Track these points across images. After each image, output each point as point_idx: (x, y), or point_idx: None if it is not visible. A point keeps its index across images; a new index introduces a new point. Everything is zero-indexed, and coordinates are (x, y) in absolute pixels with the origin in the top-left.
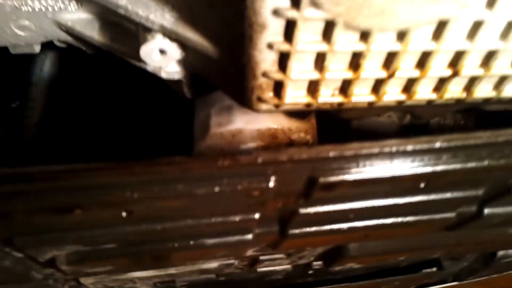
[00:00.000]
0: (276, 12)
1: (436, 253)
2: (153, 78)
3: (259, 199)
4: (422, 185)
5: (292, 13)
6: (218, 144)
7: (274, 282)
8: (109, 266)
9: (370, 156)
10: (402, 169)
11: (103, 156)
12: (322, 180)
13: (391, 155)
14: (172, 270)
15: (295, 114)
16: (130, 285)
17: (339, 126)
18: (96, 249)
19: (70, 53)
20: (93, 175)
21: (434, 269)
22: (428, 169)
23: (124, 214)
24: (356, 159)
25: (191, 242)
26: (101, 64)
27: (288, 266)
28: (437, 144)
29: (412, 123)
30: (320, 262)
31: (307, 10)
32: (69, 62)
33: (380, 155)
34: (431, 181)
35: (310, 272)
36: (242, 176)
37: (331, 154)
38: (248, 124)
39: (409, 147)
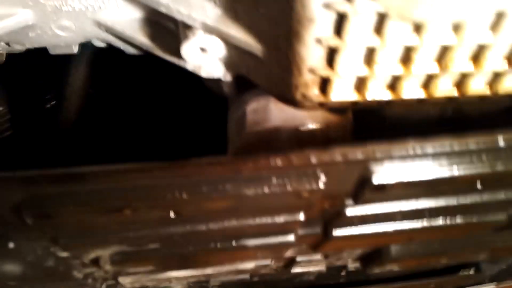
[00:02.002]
0: (327, 6)
1: (479, 256)
2: (187, 78)
3: (307, 200)
4: (478, 185)
5: (343, 6)
6: (254, 143)
7: (305, 283)
8: (151, 266)
9: (428, 155)
10: (461, 169)
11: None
12: (375, 180)
13: (451, 154)
14: (209, 270)
15: (332, 111)
16: (166, 284)
17: (373, 118)
18: (140, 249)
19: (106, 53)
20: (145, 175)
21: (472, 271)
22: (487, 168)
23: (172, 214)
24: (413, 158)
25: (233, 243)
26: (136, 64)
27: (323, 267)
28: (501, 143)
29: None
30: (357, 264)
31: (359, 2)
32: (104, 63)
33: (439, 154)
34: (488, 182)
35: (343, 273)
36: (292, 176)
37: (388, 152)
38: (284, 123)
39: (472, 146)
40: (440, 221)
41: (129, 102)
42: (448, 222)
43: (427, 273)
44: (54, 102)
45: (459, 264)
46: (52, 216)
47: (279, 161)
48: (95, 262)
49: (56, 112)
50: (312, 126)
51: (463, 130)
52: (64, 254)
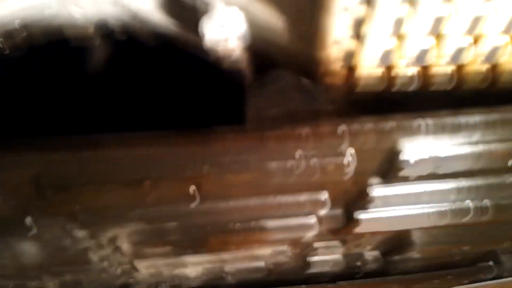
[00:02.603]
0: None
1: (503, 245)
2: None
3: (332, 176)
4: (510, 163)
5: None
6: (273, 124)
7: (319, 276)
8: (167, 248)
9: (461, 127)
10: (494, 143)
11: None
12: (405, 155)
13: (485, 126)
14: (225, 255)
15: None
16: (181, 270)
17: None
18: (158, 228)
19: (122, 44)
20: (166, 143)
21: (491, 263)
22: None
23: (192, 189)
24: (446, 130)
25: (253, 224)
26: (152, 54)
27: (339, 256)
28: None
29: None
30: (375, 252)
31: None
32: (121, 54)
33: (471, 126)
34: None
35: (359, 263)
36: (318, 149)
37: (421, 122)
38: (303, 105)
39: (510, 115)
40: (467, 204)
41: (148, 92)
42: (474, 205)
43: (445, 265)
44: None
45: (476, 256)
46: (71, 188)
47: (305, 130)
48: (113, 241)
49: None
50: (330, 107)
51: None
52: (81, 233)
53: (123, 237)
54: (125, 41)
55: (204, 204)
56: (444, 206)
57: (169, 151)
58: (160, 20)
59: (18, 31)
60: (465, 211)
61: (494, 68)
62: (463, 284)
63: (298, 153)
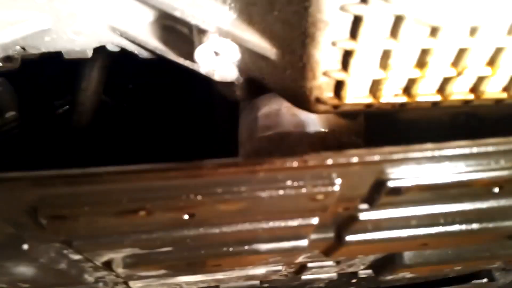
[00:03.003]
0: (342, 8)
1: (494, 263)
2: (198, 82)
3: (321, 203)
4: (495, 189)
5: (359, 9)
6: (266, 147)
7: None
8: (163, 270)
9: (445, 158)
10: (479, 173)
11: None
12: (391, 184)
13: (468, 157)
14: (220, 275)
15: (344, 115)
16: None
17: (385, 122)
18: (153, 253)
19: (118, 59)
20: (160, 176)
21: (485, 280)
22: (505, 172)
23: (185, 216)
24: (431, 160)
25: (246, 247)
26: (149, 68)
27: (334, 274)
28: None
29: (466, 122)
30: (368, 271)
31: (376, 4)
32: (117, 68)
33: (456, 157)
34: (505, 186)
35: (354, 281)
36: (307, 179)
37: (405, 155)
38: (296, 127)
39: (490, 148)
40: (455, 227)
41: (141, 106)
42: (463, 228)
43: (439, 282)
44: (67, 107)
45: (472, 272)
46: (67, 218)
47: (295, 163)
48: (108, 265)
49: (69, 117)
50: (324, 131)
51: (477, 134)
52: (77, 257)
53: (118, 261)
54: (121, 64)
55: (197, 230)
56: (432, 229)
57: (162, 183)
58: (157, 47)
59: (17, 55)
60: (453, 234)
61: (478, 98)
62: None
63: (288, 183)
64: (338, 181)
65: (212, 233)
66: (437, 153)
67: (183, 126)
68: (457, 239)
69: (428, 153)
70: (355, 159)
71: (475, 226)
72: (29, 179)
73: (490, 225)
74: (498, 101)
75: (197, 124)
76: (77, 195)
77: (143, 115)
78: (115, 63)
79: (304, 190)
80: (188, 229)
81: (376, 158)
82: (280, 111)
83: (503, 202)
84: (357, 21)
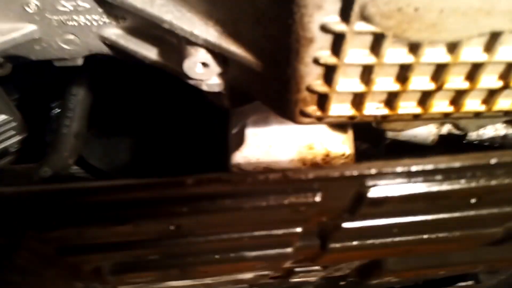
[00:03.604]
0: (324, 27)
1: (478, 268)
2: (188, 90)
3: (304, 214)
4: (473, 200)
5: (341, 27)
6: (254, 154)
7: None
8: (151, 276)
9: (423, 172)
10: (454, 185)
11: (139, 167)
12: (370, 195)
13: (445, 170)
14: (208, 280)
15: (332, 125)
16: None
17: (373, 135)
18: (141, 261)
19: (109, 64)
20: (146, 191)
21: (470, 282)
22: (481, 184)
23: (172, 228)
24: (409, 175)
25: (232, 255)
26: (138, 75)
27: (321, 278)
28: (493, 161)
29: (450, 133)
30: (355, 275)
31: (357, 24)
32: (108, 73)
33: (433, 172)
34: (482, 197)
35: (342, 283)
36: (289, 191)
37: (382, 170)
38: (285, 135)
39: (466, 162)
40: (436, 235)
41: (131, 112)
42: (444, 235)
43: (425, 284)
44: (58, 111)
45: (457, 275)
46: (55, 228)
47: (276, 177)
48: (96, 272)
49: (60, 121)
50: (311, 139)
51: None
52: (64, 266)
53: (106, 268)
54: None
55: (184, 240)
56: (414, 237)
57: (149, 197)
58: (147, 57)
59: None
60: (435, 241)
61: (457, 110)
62: None
63: (271, 196)
64: (320, 193)
65: (199, 242)
66: (414, 168)
67: (174, 130)
68: (439, 246)
69: (405, 168)
70: (335, 173)
71: (456, 233)
72: (16, 195)
73: (471, 232)
74: (477, 114)
75: (189, 130)
76: (64, 208)
77: (135, 121)
78: (107, 68)
79: (286, 202)
80: (175, 239)
81: (355, 173)
82: (268, 118)
83: (482, 212)
84: (338, 39)
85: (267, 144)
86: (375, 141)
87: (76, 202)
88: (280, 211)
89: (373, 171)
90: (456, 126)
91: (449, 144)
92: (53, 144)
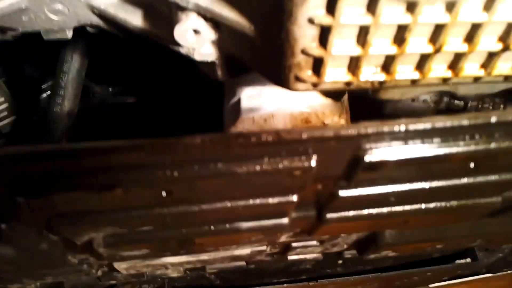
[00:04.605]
0: None
1: (476, 242)
2: (183, 64)
3: (299, 180)
4: (471, 165)
5: None
6: (250, 129)
7: (302, 272)
8: (145, 250)
9: (420, 133)
10: (453, 147)
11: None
12: (367, 159)
13: (443, 131)
14: (204, 256)
15: (328, 96)
16: (162, 270)
17: (372, 110)
18: (133, 232)
19: (100, 41)
20: (135, 152)
21: (468, 260)
22: (480, 147)
23: (163, 194)
24: (406, 135)
25: (227, 226)
26: (130, 50)
27: (319, 255)
28: (493, 119)
29: (448, 108)
30: (353, 251)
31: None
32: (99, 50)
33: (431, 131)
34: (481, 162)
35: (340, 261)
36: (284, 154)
37: (380, 129)
38: (280, 109)
39: (464, 122)
40: (434, 204)
41: (125, 89)
42: (442, 204)
43: (423, 262)
44: (50, 91)
45: (455, 253)
46: (44, 195)
47: (270, 137)
48: (88, 245)
49: (52, 100)
50: (307, 111)
51: None
52: (56, 237)
53: (99, 240)
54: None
55: (176, 207)
56: (411, 206)
57: (138, 160)
58: (137, 26)
59: None
60: (432, 211)
61: (456, 74)
62: (443, 281)
63: (265, 159)
64: (314, 156)
65: (192, 211)
66: (411, 127)
67: (170, 108)
68: (436, 217)
69: (402, 127)
70: (330, 133)
71: (453, 203)
72: (5, 156)
73: (469, 202)
74: (477, 79)
75: (184, 106)
76: (53, 172)
77: (129, 97)
78: (98, 47)
79: (280, 166)
80: (166, 207)
81: (351, 132)
82: (262, 92)
83: (479, 179)
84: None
85: (262, 118)
86: (373, 116)
87: (63, 164)
88: (275, 176)
89: (369, 130)
90: (454, 96)
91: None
92: (45, 124)
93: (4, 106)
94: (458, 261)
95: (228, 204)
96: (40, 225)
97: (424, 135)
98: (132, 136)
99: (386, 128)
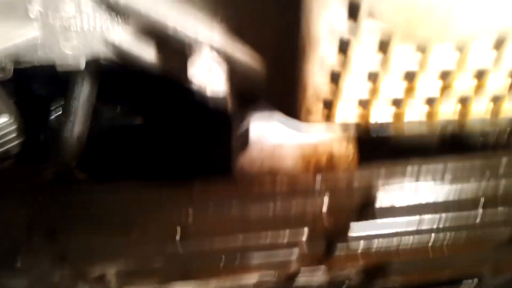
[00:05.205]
0: (331, 27)
1: (483, 269)
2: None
3: (311, 220)
4: (481, 201)
5: (349, 25)
6: (259, 157)
7: None
8: (155, 278)
9: (430, 173)
10: (464, 188)
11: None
12: (377, 205)
13: (454, 174)
14: (213, 283)
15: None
16: None
17: (378, 140)
18: (145, 265)
19: (110, 68)
20: (154, 193)
21: (476, 280)
22: (489, 185)
23: (177, 237)
24: (418, 176)
25: (238, 259)
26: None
27: (326, 278)
28: (503, 162)
29: (452, 135)
30: (360, 276)
31: (364, 21)
32: (109, 78)
33: (440, 173)
34: (491, 200)
35: (346, 284)
36: (297, 199)
37: (391, 175)
38: (288, 138)
39: (476, 162)
40: (443, 238)
41: (134, 115)
42: (452, 235)
43: (429, 284)
44: (60, 113)
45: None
46: (59, 232)
47: (284, 185)
48: (100, 278)
49: (62, 125)
50: (315, 139)
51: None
52: (69, 270)
53: (111, 274)
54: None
55: (189, 241)
56: (421, 240)
57: (155, 200)
58: (150, 61)
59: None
60: (442, 242)
61: (463, 116)
62: None
63: (278, 198)
64: (327, 199)
65: (203, 244)
66: (425, 167)
67: (178, 133)
68: (446, 248)
69: (414, 168)
70: (343, 183)
71: (462, 236)
72: (24, 198)
73: (479, 233)
74: (482, 121)
75: (193, 132)
76: (71, 213)
77: (139, 124)
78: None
79: (293, 210)
80: (180, 244)
81: (363, 182)
82: (272, 121)
83: (488, 212)
84: (345, 41)
85: (271, 146)
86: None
87: (82, 206)
88: (287, 217)
89: (382, 178)
90: (461, 128)
91: (453, 143)
92: (55, 148)
93: (13, 127)
94: (465, 281)
95: (239, 240)
96: (54, 260)
97: (435, 178)
98: (140, 161)
99: (396, 177)
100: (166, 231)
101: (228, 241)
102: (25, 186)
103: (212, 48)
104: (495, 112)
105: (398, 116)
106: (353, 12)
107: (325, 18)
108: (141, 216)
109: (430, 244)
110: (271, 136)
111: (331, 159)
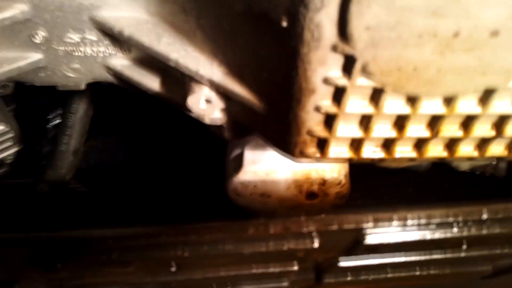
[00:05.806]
0: (327, 80)
1: None
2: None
3: (302, 257)
4: (464, 247)
5: (342, 81)
6: (252, 180)
7: None
8: None
9: (417, 222)
10: (448, 232)
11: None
12: (367, 243)
13: (440, 221)
14: None
15: None
16: None
17: (369, 166)
18: None
19: (110, 86)
20: (150, 238)
21: None
22: (472, 232)
23: (173, 269)
24: (404, 224)
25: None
26: (136, 98)
27: None
28: (484, 216)
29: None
30: None
31: (358, 79)
32: (107, 93)
33: (427, 221)
34: (472, 243)
35: None
36: (289, 239)
37: (379, 221)
38: (282, 163)
39: (459, 216)
40: (428, 272)
41: (130, 132)
42: (435, 272)
43: None
44: (57, 122)
45: None
46: (59, 269)
47: (277, 229)
48: None
49: (58, 139)
50: (307, 168)
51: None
52: None
53: None
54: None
55: (184, 275)
56: (407, 274)
57: (152, 242)
58: (151, 88)
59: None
60: (428, 277)
61: (451, 156)
62: None
63: (270, 242)
64: (317, 240)
65: (197, 277)
66: (409, 221)
67: (172, 155)
68: (432, 281)
69: (401, 219)
70: (334, 226)
71: (447, 271)
72: (24, 240)
73: (462, 270)
74: (471, 158)
75: (186, 155)
76: (69, 254)
77: (134, 143)
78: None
79: (285, 248)
80: (175, 277)
81: (352, 225)
82: (265, 145)
83: (472, 253)
84: (339, 91)
85: (264, 171)
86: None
87: (80, 247)
88: (279, 254)
89: (370, 222)
90: (449, 163)
91: (441, 170)
92: (50, 161)
93: (9, 135)
94: None
95: (232, 273)
96: None
97: (421, 224)
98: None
99: (385, 220)
100: (161, 269)
101: (220, 274)
102: (16, 198)
103: (212, 82)
104: (482, 153)
105: (389, 153)
106: (347, 70)
107: (320, 74)
108: (137, 255)
109: (414, 278)
110: (264, 160)
111: (323, 186)
